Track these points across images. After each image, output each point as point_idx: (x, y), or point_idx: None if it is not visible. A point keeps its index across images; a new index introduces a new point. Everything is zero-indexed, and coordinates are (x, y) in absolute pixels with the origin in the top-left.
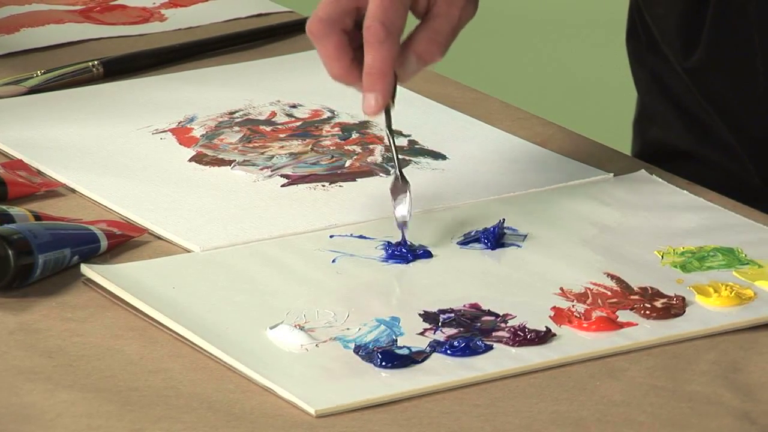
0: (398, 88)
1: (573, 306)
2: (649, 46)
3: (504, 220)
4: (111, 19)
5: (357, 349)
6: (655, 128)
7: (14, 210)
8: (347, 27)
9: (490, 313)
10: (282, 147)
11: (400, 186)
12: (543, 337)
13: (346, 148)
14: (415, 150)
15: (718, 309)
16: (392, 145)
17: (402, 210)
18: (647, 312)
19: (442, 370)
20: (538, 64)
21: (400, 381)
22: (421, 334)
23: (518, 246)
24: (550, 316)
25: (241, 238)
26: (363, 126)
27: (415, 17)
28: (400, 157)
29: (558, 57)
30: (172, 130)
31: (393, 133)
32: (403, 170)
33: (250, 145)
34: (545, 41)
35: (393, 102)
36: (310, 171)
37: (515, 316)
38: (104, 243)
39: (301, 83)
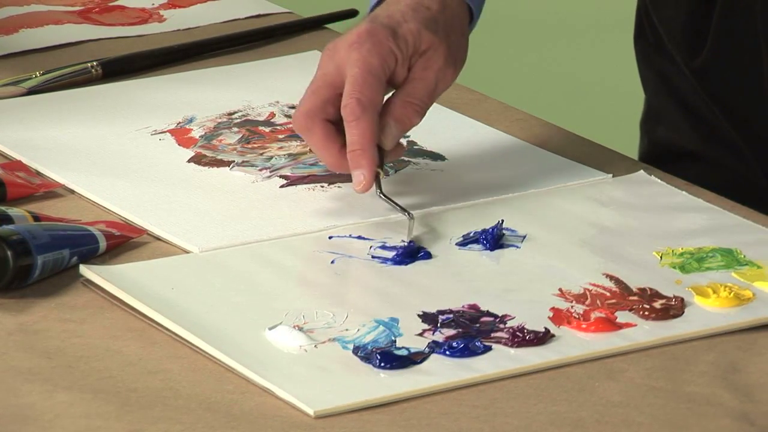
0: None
1: (572, 307)
2: (656, 47)
3: (503, 221)
4: (110, 20)
5: (356, 350)
6: (662, 128)
7: (13, 211)
8: (330, 116)
9: (488, 314)
10: (281, 148)
11: (410, 223)
12: (542, 338)
13: None
14: (414, 151)
15: (716, 310)
16: (392, 203)
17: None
18: (646, 313)
19: (441, 371)
20: (536, 65)
21: (398, 382)
22: (420, 335)
23: (517, 247)
24: (548, 317)
25: (240, 239)
26: None
27: (394, 88)
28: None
29: (560, 58)
30: (171, 131)
31: (389, 197)
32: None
33: (249, 146)
34: (546, 42)
35: (382, 171)
36: (309, 172)
37: (514, 317)
38: (103, 244)
39: (299, 84)
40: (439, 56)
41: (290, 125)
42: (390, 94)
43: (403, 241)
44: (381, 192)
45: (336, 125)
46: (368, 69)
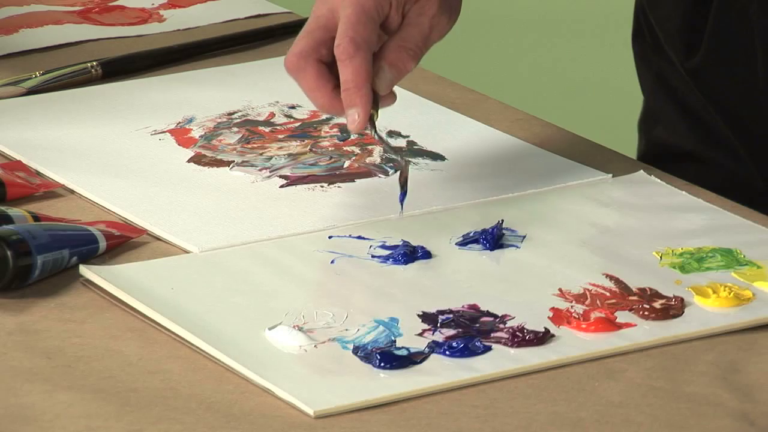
0: (397, 90)
1: (572, 307)
2: (653, 47)
3: (503, 221)
4: (109, 20)
5: (356, 350)
6: (659, 129)
7: (13, 211)
8: (323, 58)
9: (488, 314)
10: (280, 148)
11: (404, 167)
12: (542, 338)
13: (344, 149)
14: (414, 151)
15: (716, 310)
16: (386, 145)
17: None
18: (646, 313)
19: (441, 371)
20: (536, 65)
21: (398, 382)
22: (420, 335)
23: (517, 247)
24: (548, 317)
25: (240, 239)
26: None
27: (387, 34)
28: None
29: (560, 58)
30: (171, 131)
31: (382, 137)
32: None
33: (249, 146)
34: (546, 43)
35: (377, 113)
36: (309, 172)
37: (514, 317)
38: (103, 244)
39: None
40: (433, 3)
41: (290, 125)
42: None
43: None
44: (375, 133)
45: (329, 67)
46: (362, 9)
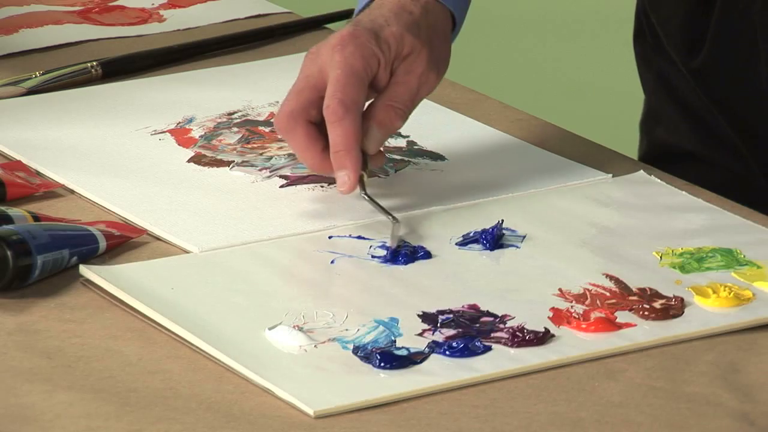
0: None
1: (572, 307)
2: (655, 47)
3: (502, 221)
4: (109, 20)
5: (356, 350)
6: (661, 129)
7: (13, 211)
8: (313, 118)
9: (488, 314)
10: (280, 148)
11: (394, 227)
12: (542, 338)
13: None
14: (414, 151)
15: (716, 310)
16: (377, 205)
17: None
18: (646, 313)
19: (441, 371)
20: (535, 65)
21: (398, 382)
22: (420, 335)
23: (517, 247)
24: (548, 317)
25: (240, 239)
26: None
27: (376, 93)
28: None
29: (558, 59)
30: (171, 131)
31: (373, 199)
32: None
33: (249, 146)
34: (546, 42)
35: (366, 173)
36: (309, 172)
37: (514, 317)
38: (103, 244)
39: None
40: (421, 60)
41: None
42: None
43: (387, 246)
44: (365, 194)
45: (318, 127)
46: (351, 70)
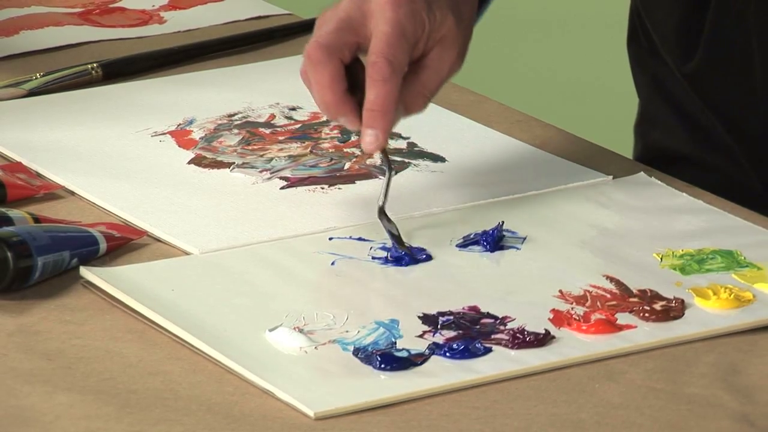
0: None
1: (572, 308)
2: (649, 50)
3: (503, 222)
4: (110, 22)
5: (356, 352)
6: (656, 132)
7: (13, 213)
8: (344, 59)
9: (489, 315)
10: (281, 149)
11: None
12: (542, 340)
13: (345, 150)
14: (414, 152)
15: (717, 311)
16: (387, 182)
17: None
18: (646, 314)
19: (441, 373)
20: (537, 67)
21: (399, 383)
22: (420, 336)
23: (517, 248)
24: (549, 319)
25: (240, 241)
26: None
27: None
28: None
29: (558, 60)
30: (171, 133)
31: (388, 156)
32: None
33: (249, 148)
34: (545, 44)
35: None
36: (309, 173)
37: (514, 319)
38: (103, 245)
39: (300, 85)
40: (454, 47)
41: (291, 127)
42: None
43: (388, 248)
44: (387, 162)
45: (345, 68)
46: (402, 31)
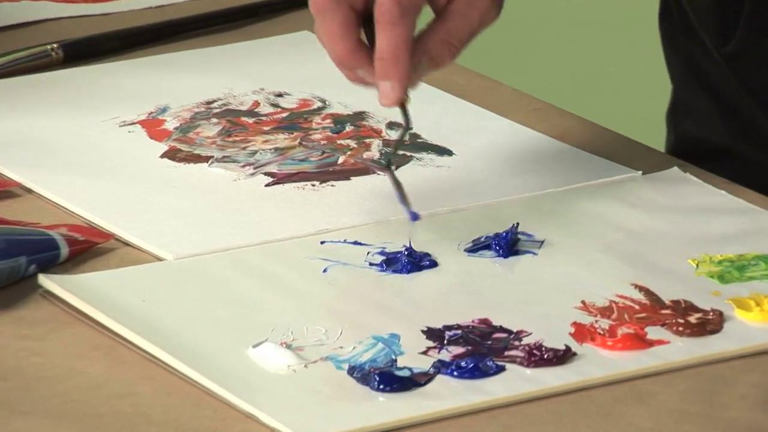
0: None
1: (596, 321)
2: (683, 29)
3: (518, 224)
4: None
5: (351, 371)
6: (690, 122)
7: None
8: (356, 5)
9: (502, 329)
10: (266, 141)
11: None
12: (562, 357)
13: (338, 142)
14: (418, 145)
15: (759, 325)
16: (401, 137)
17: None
18: (680, 328)
19: (448, 394)
20: (555, 48)
21: (400, 406)
22: (424, 353)
23: (534, 254)
24: (570, 333)
25: (221, 245)
26: (358, 117)
27: (432, 9)
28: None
29: (579, 40)
30: (142, 123)
31: (407, 111)
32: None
33: (230, 139)
34: (565, 22)
35: (407, 95)
36: (298, 168)
37: (530, 333)
38: (65, 250)
39: (287, 69)
40: None
41: (277, 116)
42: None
43: (386, 252)
44: (406, 116)
45: (357, 17)
46: None
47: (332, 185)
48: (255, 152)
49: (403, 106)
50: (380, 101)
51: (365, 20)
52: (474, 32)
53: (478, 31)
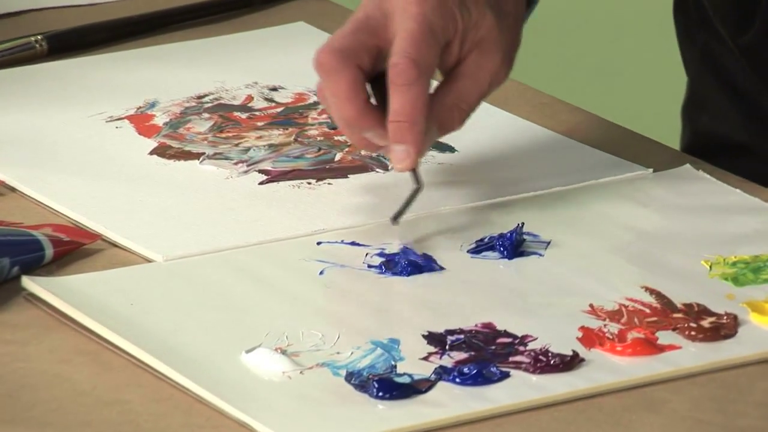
0: None
1: (605, 326)
2: (699, 20)
3: (523, 224)
4: None
5: (349, 377)
6: (706, 116)
7: None
8: (364, 65)
9: (506, 334)
10: (260, 137)
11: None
12: (569, 363)
13: (335, 138)
14: None
15: None
16: (410, 198)
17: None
18: (692, 333)
19: (450, 402)
20: (562, 38)
21: (399, 414)
22: (425, 359)
23: (540, 255)
24: (577, 338)
25: (212, 246)
26: None
27: (439, 70)
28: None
29: (588, 30)
30: (130, 118)
31: (419, 188)
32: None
33: (222, 135)
34: (572, 11)
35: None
36: (294, 166)
37: (536, 338)
38: (49, 251)
39: (282, 62)
40: (496, 51)
41: (271, 111)
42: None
43: (386, 254)
44: (417, 180)
45: (365, 76)
46: (429, 27)
47: (329, 183)
48: (248, 149)
49: (414, 170)
50: (395, 166)
51: (372, 79)
52: (483, 95)
53: (488, 94)
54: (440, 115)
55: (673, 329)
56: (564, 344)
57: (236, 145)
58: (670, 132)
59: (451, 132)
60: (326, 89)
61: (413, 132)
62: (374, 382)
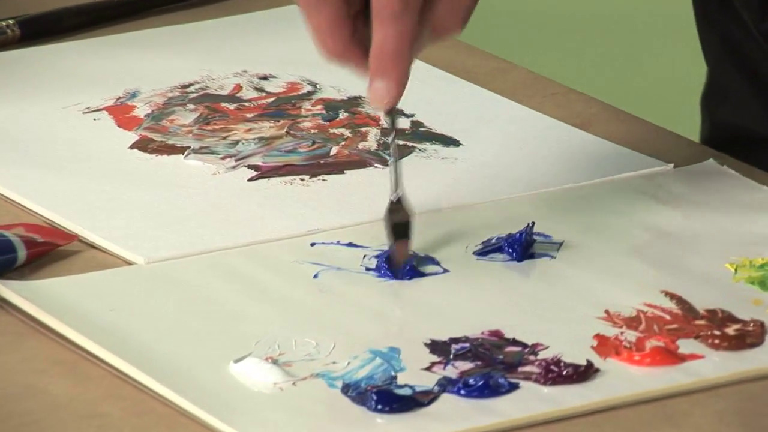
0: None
1: (621, 333)
2: (719, 4)
3: (533, 223)
4: None
5: (345, 389)
6: (727, 107)
7: None
8: None
9: (515, 342)
10: (249, 130)
11: (401, 211)
12: (583, 374)
13: (331, 131)
14: (420, 134)
15: None
16: (394, 167)
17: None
18: (716, 341)
19: (454, 415)
20: (575, 25)
21: (400, 429)
22: (428, 369)
23: (551, 257)
24: (592, 347)
25: (198, 247)
26: (353, 103)
27: None
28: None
29: (603, 16)
30: (109, 109)
31: (398, 148)
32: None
33: (209, 128)
34: None
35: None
36: (286, 161)
37: (548, 347)
38: (22, 253)
39: (273, 48)
40: None
41: (262, 101)
42: None
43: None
44: (393, 129)
45: (348, 7)
46: None
47: (324, 180)
48: (237, 142)
49: (392, 110)
50: (371, 102)
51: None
52: None
53: None
54: (436, 20)
55: (695, 337)
56: (577, 353)
57: (224, 138)
58: (689, 124)
59: (446, 38)
60: (308, 22)
61: (399, 66)
62: (373, 395)
